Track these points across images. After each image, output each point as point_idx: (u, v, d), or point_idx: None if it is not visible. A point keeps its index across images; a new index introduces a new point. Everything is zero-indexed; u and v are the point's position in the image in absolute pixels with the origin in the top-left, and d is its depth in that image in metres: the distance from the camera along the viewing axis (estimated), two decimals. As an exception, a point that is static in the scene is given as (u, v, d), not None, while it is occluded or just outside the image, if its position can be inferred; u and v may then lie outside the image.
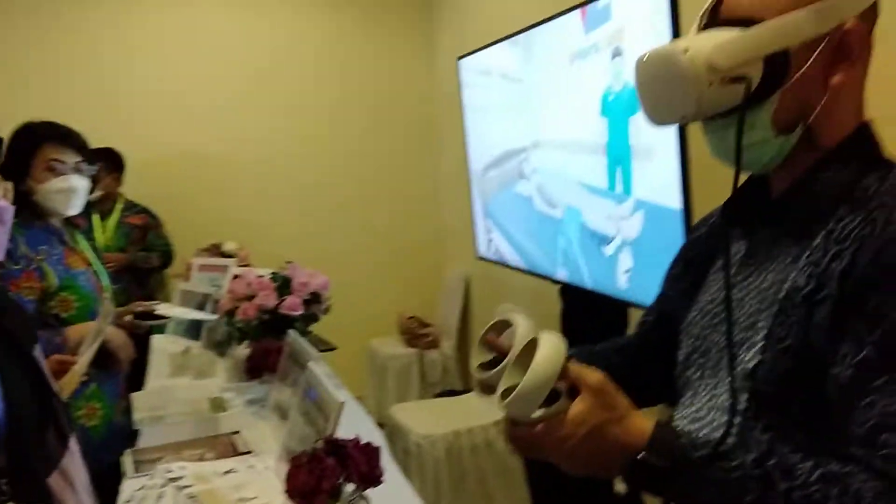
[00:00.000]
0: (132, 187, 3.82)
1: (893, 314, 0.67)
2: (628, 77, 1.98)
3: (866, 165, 0.78)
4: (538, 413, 0.74)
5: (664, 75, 0.78)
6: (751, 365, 0.79)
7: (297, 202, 4.38)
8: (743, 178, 0.90)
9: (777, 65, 0.75)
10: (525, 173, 2.69)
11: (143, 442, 1.77)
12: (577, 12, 2.18)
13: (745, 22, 0.76)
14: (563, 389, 0.75)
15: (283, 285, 2.25)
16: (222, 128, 4.21)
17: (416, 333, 4.13)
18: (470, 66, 3.10)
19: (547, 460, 0.77)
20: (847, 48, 0.76)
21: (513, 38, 2.62)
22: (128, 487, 1.47)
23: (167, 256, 3.84)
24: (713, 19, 0.81)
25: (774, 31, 0.74)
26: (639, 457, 0.72)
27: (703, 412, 0.87)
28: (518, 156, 2.72)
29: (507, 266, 3.00)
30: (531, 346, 0.75)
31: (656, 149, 1.89)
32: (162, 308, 2.20)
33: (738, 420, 0.79)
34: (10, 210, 0.98)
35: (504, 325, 0.80)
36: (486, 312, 3.75)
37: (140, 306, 2.10)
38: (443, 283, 4.54)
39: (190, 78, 4.14)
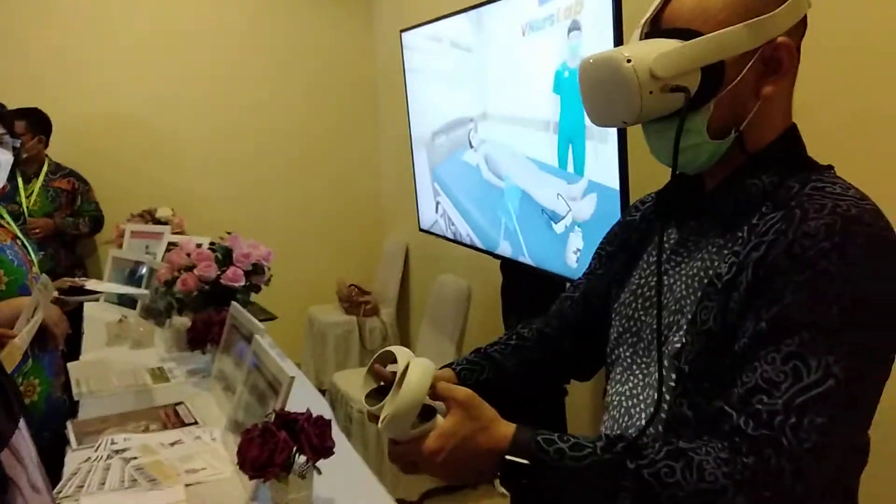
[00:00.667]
0: (60, 150, 3.68)
1: (790, 297, 0.74)
2: (586, 53, 1.95)
3: (791, 167, 0.85)
4: (413, 431, 0.81)
5: (607, 82, 0.83)
6: (677, 346, 0.85)
7: (235, 169, 4.31)
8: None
9: (713, 75, 0.81)
10: (473, 143, 2.67)
11: (84, 414, 1.75)
12: None
13: (685, 33, 0.81)
14: (438, 407, 0.83)
15: (224, 256, 2.23)
16: (158, 92, 4.09)
17: (355, 301, 4.14)
18: (418, 33, 3.04)
19: (427, 473, 0.83)
20: (777, 61, 0.82)
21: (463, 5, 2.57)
22: (73, 460, 1.46)
23: (96, 222, 3.73)
24: (654, 28, 0.86)
25: (712, 43, 0.80)
26: (505, 458, 0.79)
27: (639, 389, 0.93)
28: (466, 125, 2.70)
29: (448, 239, 3.03)
30: (406, 371, 0.82)
31: (611, 131, 1.87)
32: (91, 283, 2.13)
33: (667, 398, 0.86)
34: None
35: (389, 356, 0.89)
36: (426, 280, 3.80)
37: (68, 282, 2.05)
38: (382, 251, 4.56)
39: (123, 40, 3.99)
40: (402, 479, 2.87)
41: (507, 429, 0.81)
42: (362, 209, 4.65)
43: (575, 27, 1.94)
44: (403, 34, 3.13)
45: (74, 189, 3.67)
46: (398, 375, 0.83)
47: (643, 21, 0.88)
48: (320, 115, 4.47)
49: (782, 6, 0.81)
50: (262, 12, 4.27)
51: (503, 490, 0.82)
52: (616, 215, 1.90)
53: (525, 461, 0.78)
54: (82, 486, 1.35)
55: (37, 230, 3.38)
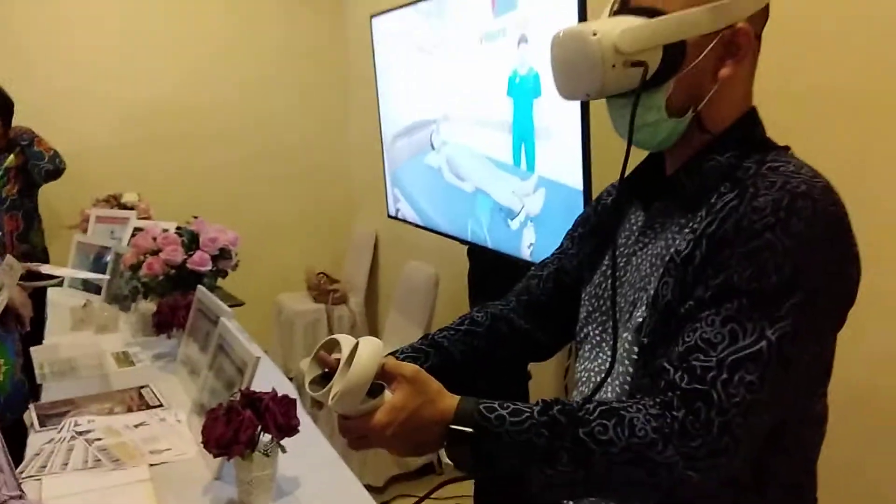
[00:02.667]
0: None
1: (734, 265, 0.79)
2: (532, 63, 2.06)
3: (748, 149, 0.88)
4: (363, 406, 0.84)
5: (574, 54, 0.86)
6: (639, 321, 0.89)
7: (203, 154, 4.26)
8: (642, 155, 0.99)
9: (674, 54, 0.84)
10: (434, 144, 2.74)
11: (47, 397, 1.74)
12: None
13: (651, 12, 0.84)
14: (385, 384, 0.86)
15: (191, 240, 2.22)
16: (122, 74, 4.02)
17: (324, 289, 4.14)
18: (384, 30, 3.08)
19: (377, 446, 0.86)
20: (736, 46, 0.85)
21: (426, 11, 2.64)
22: (35, 441, 1.45)
23: (54, 166, 3.45)
24: (623, 6, 0.89)
25: (675, 23, 0.83)
26: (450, 427, 0.82)
27: (607, 365, 0.97)
28: (428, 127, 2.77)
29: (417, 225, 3.06)
30: (354, 351, 0.85)
31: (558, 130, 2.00)
32: (46, 268, 2.10)
33: (619, 368, 0.92)
34: None
35: (334, 344, 0.92)
36: (395, 269, 3.81)
37: (25, 267, 2.02)
38: (352, 240, 4.55)
39: (90, 20, 3.92)
40: (369, 464, 2.89)
41: (451, 400, 0.84)
42: (332, 197, 4.64)
43: (523, 40, 2.11)
44: (374, 19, 3.14)
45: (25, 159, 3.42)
46: (346, 356, 0.85)
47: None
48: (291, 102, 4.44)
49: None
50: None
51: (449, 461, 0.84)
52: (564, 209, 2.00)
53: (468, 429, 0.81)
54: (45, 467, 1.35)
55: None
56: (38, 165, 3.44)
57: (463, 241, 2.64)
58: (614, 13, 0.89)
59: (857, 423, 1.56)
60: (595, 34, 0.83)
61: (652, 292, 0.88)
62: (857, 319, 0.88)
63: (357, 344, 0.86)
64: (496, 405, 0.82)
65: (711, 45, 0.84)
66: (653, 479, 0.76)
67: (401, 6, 2.84)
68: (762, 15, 0.88)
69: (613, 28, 0.83)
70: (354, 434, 0.87)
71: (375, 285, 4.44)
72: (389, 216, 3.35)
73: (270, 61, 4.35)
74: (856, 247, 0.83)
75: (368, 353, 0.84)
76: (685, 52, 0.84)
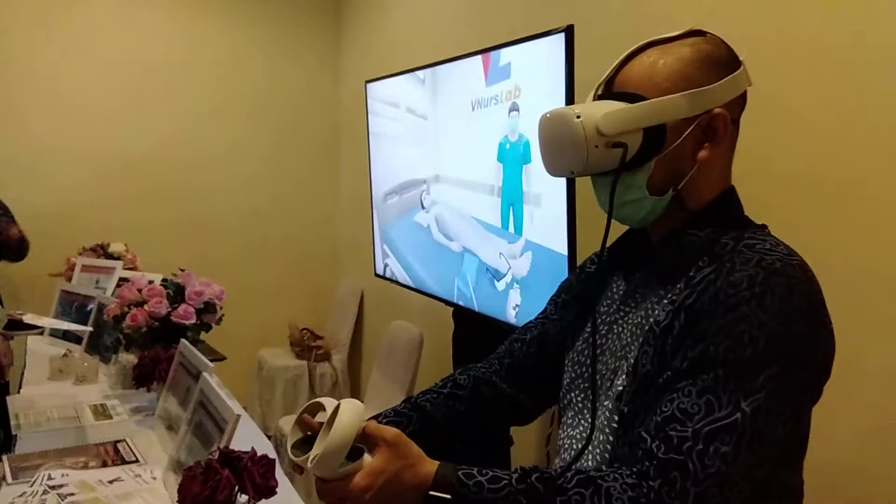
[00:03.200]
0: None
1: (711, 338, 0.81)
2: (523, 130, 2.13)
3: (727, 226, 0.92)
4: (343, 469, 0.85)
5: (559, 134, 0.91)
6: (620, 389, 0.90)
7: (190, 208, 4.28)
8: (623, 228, 1.02)
9: (654, 137, 0.88)
10: (424, 204, 2.79)
11: (21, 448, 1.71)
12: (480, 66, 2.33)
13: (631, 97, 0.89)
14: (365, 448, 0.87)
15: (176, 293, 2.22)
16: (117, 130, 4.07)
17: (307, 345, 4.11)
18: (377, 95, 3.17)
19: None
20: (713, 130, 0.90)
21: (421, 78, 2.72)
22: (7, 495, 1.42)
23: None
24: (607, 91, 0.94)
25: (654, 108, 0.88)
26: (428, 493, 0.83)
27: (588, 433, 0.98)
28: (419, 187, 2.82)
29: (403, 285, 3.07)
30: (336, 413, 0.86)
31: (545, 196, 2.07)
32: (29, 317, 2.09)
33: (600, 437, 0.93)
34: None
35: (317, 407, 0.92)
36: (380, 326, 3.80)
37: (7, 315, 2.01)
38: (336, 296, 4.55)
39: (78, 77, 3.99)
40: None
41: (431, 466, 0.86)
42: (318, 253, 4.66)
43: (514, 108, 2.19)
44: (368, 84, 3.21)
45: None
46: (328, 417, 0.86)
47: (598, 84, 0.96)
48: (281, 156, 4.49)
49: (720, 81, 0.89)
50: (227, 57, 4.31)
51: None
52: (549, 272, 2.04)
53: (447, 496, 0.82)
54: (14, 522, 1.32)
55: None
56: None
57: (448, 303, 2.66)
58: (598, 97, 0.94)
59: (835, 499, 1.56)
60: (579, 117, 0.88)
61: (632, 361, 0.90)
62: (836, 394, 0.90)
63: (338, 406, 0.86)
64: (475, 471, 0.83)
65: (690, 129, 0.89)
66: None
67: (396, 74, 2.92)
68: (739, 101, 0.93)
69: (596, 111, 0.88)
70: (333, 497, 0.87)
71: (359, 343, 4.42)
72: (376, 275, 3.37)
73: (262, 122, 4.42)
74: (830, 323, 0.86)
75: (349, 415, 0.85)
76: (664, 136, 0.89)
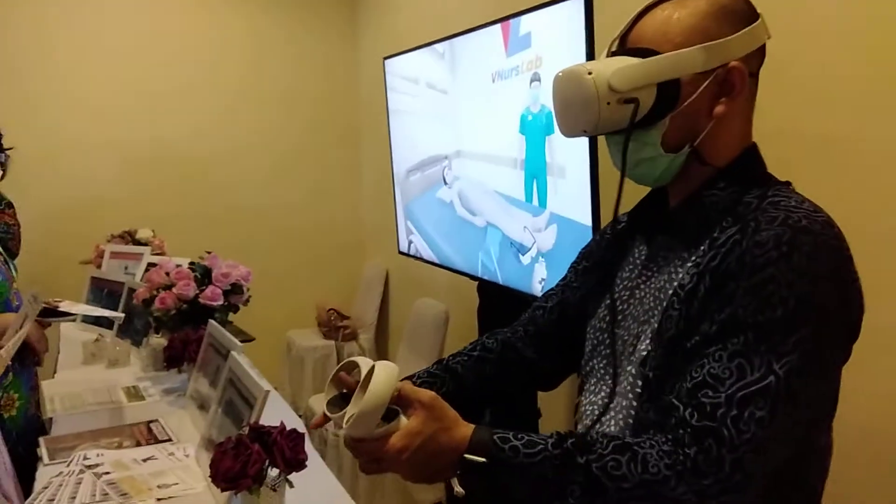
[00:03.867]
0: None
1: (739, 300, 0.79)
2: (545, 101, 2.09)
3: (749, 184, 0.89)
4: (379, 430, 0.84)
5: (571, 93, 0.89)
6: (644, 354, 0.89)
7: (217, 192, 4.32)
8: (644, 190, 1.00)
9: (668, 92, 0.86)
10: (447, 180, 2.77)
11: (57, 431, 1.75)
12: (500, 37, 2.29)
13: (646, 52, 0.87)
14: (400, 410, 0.86)
15: (203, 275, 2.24)
16: (144, 119, 4.11)
17: (334, 325, 4.14)
18: (396, 71, 3.14)
19: (389, 471, 0.86)
20: (730, 84, 0.87)
21: (440, 52, 2.69)
22: (44, 474, 1.46)
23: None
24: (621, 48, 0.92)
25: (668, 62, 0.85)
26: (463, 456, 0.82)
27: (610, 398, 0.96)
28: (441, 162, 2.80)
29: (427, 261, 3.07)
30: (371, 374, 0.85)
31: (569, 167, 2.03)
32: (65, 304, 2.12)
33: (623, 402, 0.92)
34: None
35: (353, 366, 0.92)
36: (405, 306, 3.81)
37: (44, 302, 2.04)
38: (362, 276, 4.57)
39: (105, 70, 4.02)
40: (377, 501, 2.86)
41: (466, 429, 0.85)
42: (343, 233, 4.68)
43: (535, 78, 2.15)
44: (387, 61, 3.20)
45: None
46: (363, 379, 0.85)
47: (612, 41, 0.94)
48: (303, 139, 4.50)
49: (737, 34, 0.86)
50: (246, 40, 4.32)
51: (461, 489, 0.84)
52: (576, 245, 1.99)
53: (482, 459, 0.81)
54: (53, 500, 1.35)
55: None
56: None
57: (473, 277, 2.65)
58: (612, 54, 0.91)
59: (861, 460, 1.54)
60: (590, 73, 0.86)
61: (656, 325, 0.89)
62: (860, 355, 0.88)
63: (373, 367, 0.86)
64: (510, 436, 0.83)
65: (706, 83, 0.86)
66: None
67: (414, 48, 2.90)
68: (757, 54, 0.90)
69: (607, 67, 0.86)
70: (368, 457, 0.87)
71: (386, 322, 4.44)
72: (400, 252, 3.37)
73: (284, 104, 4.43)
74: (858, 280, 0.83)
75: (384, 377, 0.84)
76: (679, 91, 0.86)
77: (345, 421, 0.84)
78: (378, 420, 0.83)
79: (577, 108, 0.88)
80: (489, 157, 2.45)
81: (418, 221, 3.11)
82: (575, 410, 1.06)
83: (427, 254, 3.05)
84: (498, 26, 2.29)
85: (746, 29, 0.86)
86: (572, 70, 0.88)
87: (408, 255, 3.30)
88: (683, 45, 0.85)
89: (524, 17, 2.15)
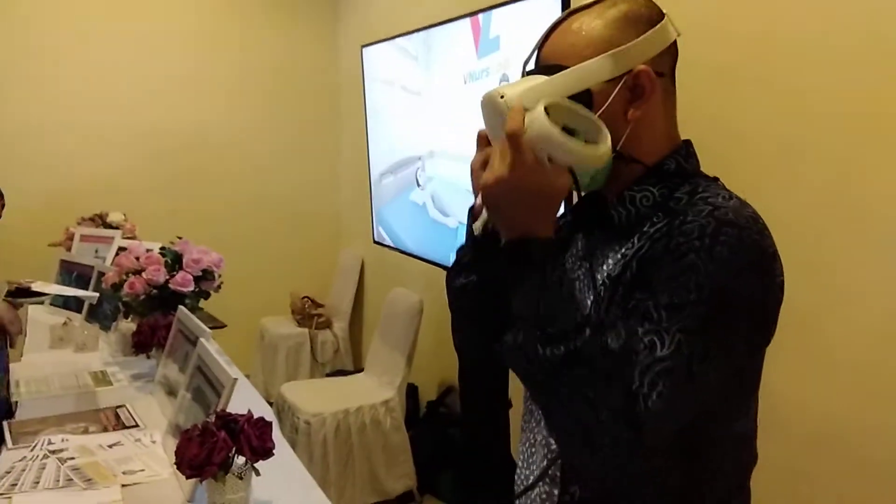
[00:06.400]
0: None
1: (658, 285, 0.82)
2: None
3: (680, 180, 0.92)
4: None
5: (489, 116, 0.91)
6: None
7: (190, 177, 4.27)
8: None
9: (581, 102, 0.88)
10: (420, 181, 2.79)
11: (22, 414, 1.73)
12: (471, 38, 2.31)
13: (554, 69, 0.89)
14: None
15: (174, 261, 2.22)
16: (117, 100, 4.05)
17: (308, 313, 4.13)
18: (375, 75, 3.13)
19: (495, 176, 0.86)
20: (640, 87, 0.89)
21: (414, 55, 2.70)
22: (7, 458, 1.44)
23: None
24: (536, 64, 0.94)
25: (575, 76, 0.88)
26: (537, 238, 0.85)
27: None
28: (414, 164, 2.82)
29: (402, 251, 3.07)
30: None
31: None
32: (37, 284, 2.09)
33: None
34: None
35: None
36: (380, 295, 3.81)
37: (14, 284, 2.01)
38: (338, 265, 4.55)
39: (76, 54, 3.96)
40: (346, 493, 2.87)
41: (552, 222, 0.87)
42: (319, 221, 4.65)
43: (504, 79, 2.19)
44: (364, 49, 3.18)
45: None
46: None
47: (527, 58, 0.97)
48: (280, 125, 4.47)
49: (640, 38, 0.88)
50: (226, 19, 4.26)
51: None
52: None
53: (531, 255, 0.84)
54: (15, 485, 1.33)
55: None
56: None
57: (447, 268, 2.66)
58: (527, 73, 0.94)
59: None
60: (503, 97, 0.87)
61: (586, 313, 0.91)
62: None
63: None
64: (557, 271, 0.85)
65: (616, 90, 0.88)
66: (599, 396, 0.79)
67: (389, 38, 2.89)
68: (668, 54, 0.92)
69: (517, 89, 0.88)
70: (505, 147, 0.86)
71: (360, 311, 4.43)
72: (375, 241, 3.37)
73: (261, 87, 4.39)
74: (780, 276, 0.86)
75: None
76: (591, 100, 0.88)
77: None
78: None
79: (498, 129, 0.89)
80: (462, 157, 2.47)
81: (389, 224, 3.12)
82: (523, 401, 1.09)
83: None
84: (469, 28, 2.32)
85: (649, 32, 0.88)
86: (488, 94, 0.90)
87: (382, 244, 3.30)
88: (590, 57, 0.87)
89: (494, 18, 2.18)
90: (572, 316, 0.82)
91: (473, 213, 1.01)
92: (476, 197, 1.00)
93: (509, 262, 0.87)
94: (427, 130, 2.71)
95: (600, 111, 0.87)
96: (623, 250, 0.90)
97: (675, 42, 0.92)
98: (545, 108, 0.84)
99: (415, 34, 2.71)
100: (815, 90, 1.63)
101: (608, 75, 0.87)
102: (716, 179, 0.94)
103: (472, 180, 1.00)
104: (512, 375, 2.00)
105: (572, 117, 0.86)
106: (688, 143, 0.96)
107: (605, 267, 0.93)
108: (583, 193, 0.92)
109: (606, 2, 0.91)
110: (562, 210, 0.99)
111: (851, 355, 1.60)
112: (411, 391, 3.53)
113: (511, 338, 0.86)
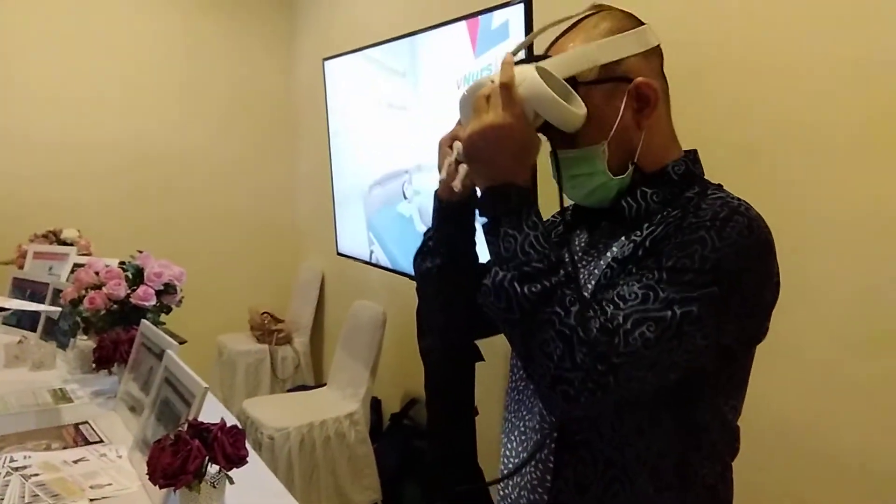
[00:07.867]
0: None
1: (667, 252, 0.86)
2: None
3: (689, 182, 0.97)
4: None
5: (473, 90, 0.96)
6: None
7: (144, 193, 4.20)
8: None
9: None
10: (406, 195, 2.78)
11: (-21, 433, 1.68)
12: (467, 35, 2.23)
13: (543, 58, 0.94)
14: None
15: (135, 275, 2.19)
16: (68, 114, 3.97)
17: (268, 329, 4.09)
18: (341, 88, 3.09)
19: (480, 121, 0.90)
20: (646, 98, 0.94)
21: (401, 72, 2.67)
22: (-32, 477, 1.40)
23: None
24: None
25: (561, 59, 0.93)
26: (515, 184, 0.89)
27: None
28: (401, 177, 2.81)
29: (365, 262, 3.07)
30: None
31: None
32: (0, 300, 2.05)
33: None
34: None
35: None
36: (341, 308, 3.80)
37: None
38: (297, 279, 4.53)
39: (29, 63, 3.88)
40: (312, 501, 2.85)
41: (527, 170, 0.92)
42: (277, 235, 4.62)
43: None
44: (326, 62, 3.19)
45: None
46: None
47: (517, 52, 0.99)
48: (235, 138, 4.44)
49: (624, 32, 0.93)
50: (178, 31, 4.23)
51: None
52: None
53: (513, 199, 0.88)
54: (-22, 503, 1.30)
55: None
56: None
57: (412, 277, 2.66)
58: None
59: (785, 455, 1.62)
60: (492, 82, 0.92)
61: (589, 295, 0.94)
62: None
63: None
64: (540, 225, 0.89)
65: (623, 104, 0.93)
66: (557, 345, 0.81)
67: (354, 50, 2.90)
68: (655, 60, 0.97)
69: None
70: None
71: (321, 325, 4.41)
72: (339, 254, 3.36)
73: (216, 99, 4.36)
74: (778, 276, 0.90)
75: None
76: (577, 89, 0.93)
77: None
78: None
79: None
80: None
81: (379, 234, 3.10)
82: (506, 394, 1.10)
83: (385, 265, 3.04)
84: (465, 27, 2.25)
85: (630, 31, 0.94)
86: (471, 85, 0.97)
87: (347, 256, 3.29)
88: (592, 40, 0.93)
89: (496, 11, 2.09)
90: (548, 255, 0.85)
91: (448, 176, 1.02)
92: (441, 171, 1.03)
93: (490, 206, 0.90)
94: (415, 143, 2.68)
95: (614, 127, 0.92)
96: (633, 236, 0.93)
97: (659, 48, 0.97)
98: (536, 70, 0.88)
99: (396, 46, 2.68)
100: (767, 98, 1.70)
101: (590, 63, 0.91)
102: (719, 185, 0.98)
103: (438, 157, 1.04)
104: (478, 382, 2.03)
105: (556, 85, 0.89)
106: (695, 151, 1.01)
107: (609, 253, 0.96)
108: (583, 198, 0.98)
109: (591, 19, 0.96)
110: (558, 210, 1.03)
111: (817, 355, 1.66)
112: (375, 404, 3.53)
113: (489, 280, 0.88)
